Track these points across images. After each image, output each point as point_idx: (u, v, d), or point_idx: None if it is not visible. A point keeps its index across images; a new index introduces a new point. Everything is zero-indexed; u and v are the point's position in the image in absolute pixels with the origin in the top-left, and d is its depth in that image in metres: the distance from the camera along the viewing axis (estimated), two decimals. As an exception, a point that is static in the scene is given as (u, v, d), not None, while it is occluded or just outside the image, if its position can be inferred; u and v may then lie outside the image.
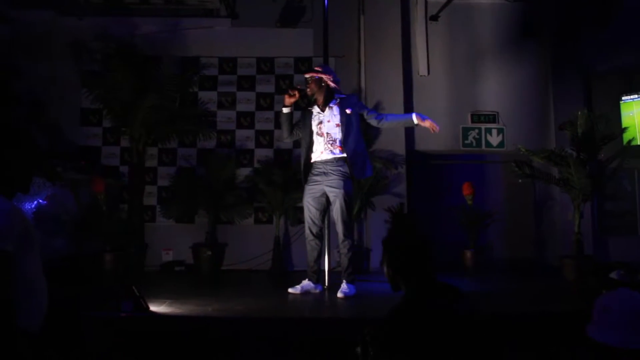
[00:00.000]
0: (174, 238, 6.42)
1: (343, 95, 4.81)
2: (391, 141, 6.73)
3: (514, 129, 7.11)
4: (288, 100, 4.80)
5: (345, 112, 4.66)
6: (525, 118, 7.16)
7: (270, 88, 6.83)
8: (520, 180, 6.14)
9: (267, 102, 6.79)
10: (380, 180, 6.53)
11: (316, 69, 4.88)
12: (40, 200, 5.19)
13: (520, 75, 7.19)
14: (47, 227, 5.13)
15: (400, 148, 6.78)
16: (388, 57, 6.89)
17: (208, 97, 6.76)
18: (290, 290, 4.66)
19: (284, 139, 5.04)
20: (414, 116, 4.77)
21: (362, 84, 6.93)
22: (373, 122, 4.84)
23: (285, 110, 4.84)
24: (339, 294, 4.57)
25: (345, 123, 4.65)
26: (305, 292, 4.66)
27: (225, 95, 6.80)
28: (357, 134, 4.70)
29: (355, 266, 4.89)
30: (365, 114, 4.83)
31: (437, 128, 4.73)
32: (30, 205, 5.10)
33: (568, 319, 3.56)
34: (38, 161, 2.51)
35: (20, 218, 1.99)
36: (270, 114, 6.78)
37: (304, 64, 6.77)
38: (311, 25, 6.82)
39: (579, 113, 5.78)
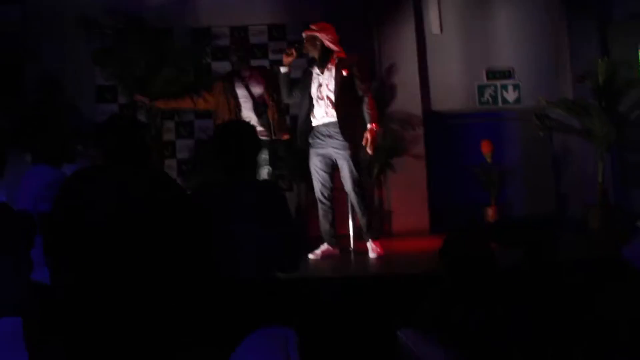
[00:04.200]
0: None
1: (343, 57, 4.67)
2: (407, 102, 6.68)
3: (530, 84, 7.03)
4: (286, 59, 4.72)
5: (341, 73, 4.55)
6: (541, 72, 7.06)
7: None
8: (541, 134, 6.10)
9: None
10: (398, 141, 6.51)
11: (311, 27, 4.73)
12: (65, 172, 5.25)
13: (534, 28, 7.08)
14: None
15: (416, 109, 6.73)
16: (400, 17, 6.79)
17: (221, 67, 6.71)
18: (310, 256, 4.64)
19: (284, 100, 4.95)
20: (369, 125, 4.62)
21: (375, 47, 6.86)
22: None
23: (282, 69, 4.76)
24: (371, 254, 4.59)
25: (339, 84, 4.53)
26: (325, 257, 4.66)
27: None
28: (350, 96, 4.58)
29: (376, 225, 4.89)
30: (356, 83, 4.63)
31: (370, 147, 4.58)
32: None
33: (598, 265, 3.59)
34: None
35: None
36: (284, 81, 6.73)
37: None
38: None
39: (599, 61, 5.70)
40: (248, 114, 4.87)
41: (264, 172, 4.83)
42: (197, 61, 6.44)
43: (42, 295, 2.19)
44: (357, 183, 4.60)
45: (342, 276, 4.01)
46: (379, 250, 4.61)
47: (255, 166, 2.74)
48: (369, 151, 4.60)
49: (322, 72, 4.64)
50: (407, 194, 6.57)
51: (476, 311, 2.28)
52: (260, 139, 2.84)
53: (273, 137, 4.87)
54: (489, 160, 6.52)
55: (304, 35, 4.74)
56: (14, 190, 2.56)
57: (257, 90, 4.92)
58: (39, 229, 2.33)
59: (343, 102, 4.54)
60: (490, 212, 6.37)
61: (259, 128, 4.72)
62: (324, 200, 4.67)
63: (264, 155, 4.78)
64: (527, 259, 2.44)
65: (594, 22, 6.91)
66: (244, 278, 2.42)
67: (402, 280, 3.64)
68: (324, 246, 4.69)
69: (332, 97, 4.56)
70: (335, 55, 4.64)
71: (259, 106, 4.86)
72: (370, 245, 4.65)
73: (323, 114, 4.61)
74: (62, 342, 2.03)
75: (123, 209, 2.06)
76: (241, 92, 4.92)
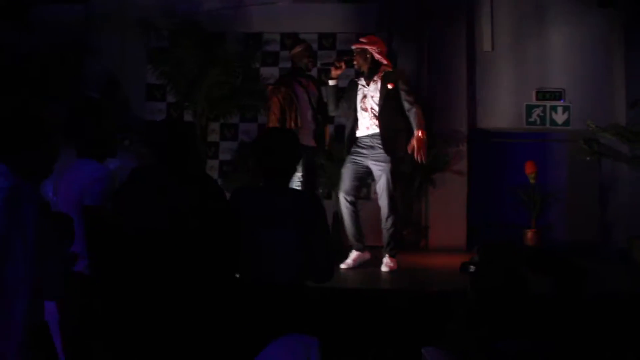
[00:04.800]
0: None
1: (390, 70, 4.72)
2: (453, 117, 6.63)
3: (581, 107, 6.85)
4: (334, 72, 4.79)
5: (387, 87, 4.59)
6: (593, 95, 6.88)
7: (331, 64, 6.83)
8: (588, 158, 5.95)
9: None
10: (441, 157, 6.46)
11: (361, 40, 4.80)
12: (110, 166, 5.42)
13: (589, 50, 6.91)
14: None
15: (461, 125, 6.68)
16: (450, 32, 6.75)
17: (270, 72, 6.81)
18: (342, 266, 4.63)
19: (331, 112, 4.98)
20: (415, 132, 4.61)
21: (424, 61, 6.83)
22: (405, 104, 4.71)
23: (331, 82, 4.81)
24: (383, 268, 4.58)
25: (384, 97, 4.58)
26: (357, 264, 4.65)
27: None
28: (395, 109, 4.60)
29: (398, 241, 4.87)
30: (402, 96, 4.67)
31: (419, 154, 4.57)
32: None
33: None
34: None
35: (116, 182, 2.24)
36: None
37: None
38: (374, 1, 6.75)
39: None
40: (308, 120, 4.84)
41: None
42: (247, 66, 6.54)
43: (82, 285, 2.31)
44: (391, 197, 4.61)
45: (369, 288, 4.01)
46: (392, 265, 4.60)
47: (292, 174, 2.78)
48: (418, 158, 4.56)
49: (368, 84, 4.69)
50: (446, 210, 6.52)
51: (501, 342, 2.26)
52: (300, 147, 2.88)
53: (325, 146, 4.95)
54: (532, 181, 6.40)
55: (354, 47, 4.78)
56: (57, 182, 2.64)
57: (314, 98, 4.92)
58: (84, 222, 2.45)
59: (387, 114, 4.60)
60: (529, 235, 6.25)
61: (309, 136, 4.80)
62: (348, 205, 4.68)
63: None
64: (557, 290, 2.40)
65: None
66: (275, 283, 2.46)
67: (432, 296, 3.62)
68: (354, 254, 4.69)
69: (377, 109, 4.60)
70: (382, 69, 4.69)
71: (316, 114, 4.88)
72: (385, 260, 4.64)
73: (367, 125, 4.67)
74: (100, 332, 2.16)
75: (172, 217, 2.31)
76: (303, 98, 4.86)
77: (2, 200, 1.86)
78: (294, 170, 2.79)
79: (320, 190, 4.98)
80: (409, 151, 4.55)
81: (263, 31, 6.90)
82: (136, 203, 2.39)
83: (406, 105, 4.64)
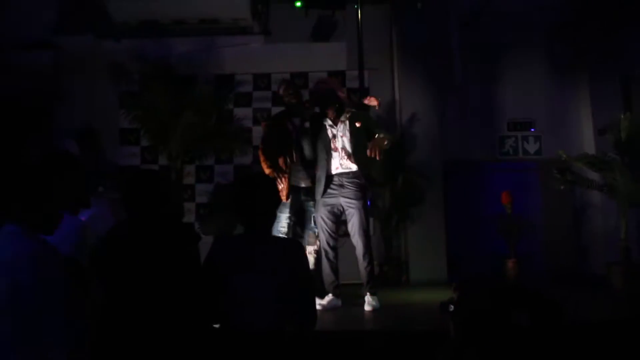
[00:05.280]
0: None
1: (353, 110, 4.77)
2: (427, 151, 6.68)
3: (552, 136, 7.02)
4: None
5: (355, 125, 4.63)
6: (562, 124, 7.07)
7: (304, 103, 6.87)
8: (562, 187, 6.03)
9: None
10: (416, 190, 6.49)
11: (323, 81, 4.95)
12: (81, 218, 5.31)
13: (557, 81, 7.11)
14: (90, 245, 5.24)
15: (436, 157, 6.73)
16: (422, 67, 6.86)
17: (243, 113, 6.84)
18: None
19: (309, 157, 4.85)
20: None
21: (397, 96, 6.92)
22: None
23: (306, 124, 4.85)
24: (367, 307, 4.52)
25: (355, 135, 4.61)
26: (332, 308, 4.58)
27: (260, 111, 6.87)
28: (365, 147, 4.60)
29: (376, 278, 4.83)
30: (374, 129, 4.71)
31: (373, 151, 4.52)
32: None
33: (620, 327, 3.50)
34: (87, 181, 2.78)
35: (88, 233, 2.19)
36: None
37: (337, 77, 6.79)
38: (344, 39, 6.85)
39: (622, 116, 5.66)
40: (298, 163, 4.84)
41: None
42: (220, 107, 6.54)
43: None
44: (365, 234, 4.58)
45: (354, 330, 3.95)
46: (374, 304, 4.54)
47: (273, 219, 2.75)
48: (371, 153, 4.48)
49: (336, 124, 4.69)
50: (425, 243, 6.52)
51: None
52: (278, 193, 2.84)
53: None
54: (508, 211, 6.45)
55: (316, 90, 4.81)
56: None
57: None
58: None
59: (360, 152, 4.60)
60: (510, 265, 6.27)
61: (306, 177, 4.81)
62: (329, 250, 4.63)
63: (312, 201, 4.82)
64: (533, 323, 2.41)
65: (616, 77, 6.91)
66: (254, 331, 2.41)
67: (417, 336, 3.58)
68: (329, 297, 4.61)
69: (348, 148, 4.62)
70: (347, 109, 4.72)
71: (305, 155, 4.87)
72: (367, 298, 4.57)
73: (337, 165, 4.65)
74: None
75: (150, 261, 2.37)
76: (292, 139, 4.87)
77: (32, 264, 1.83)
78: (274, 215, 2.75)
79: (314, 230, 4.88)
80: (369, 153, 4.48)
81: (235, 72, 6.93)
82: (116, 263, 2.36)
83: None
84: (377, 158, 4.53)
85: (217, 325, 2.55)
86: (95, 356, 2.11)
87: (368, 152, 4.50)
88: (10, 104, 6.13)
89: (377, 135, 4.57)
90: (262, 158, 4.82)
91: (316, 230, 4.83)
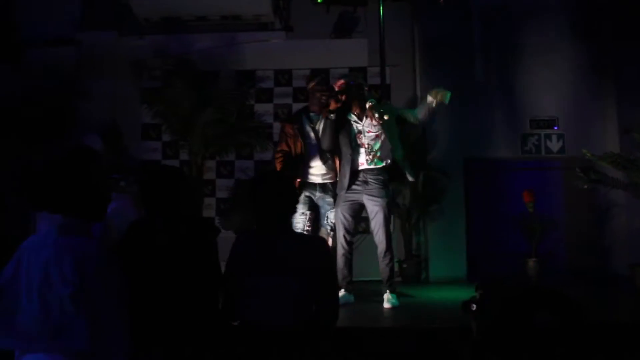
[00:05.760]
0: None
1: (374, 100, 4.70)
2: (448, 149, 6.64)
3: (575, 134, 6.91)
4: (334, 105, 4.66)
5: (384, 118, 4.54)
6: (586, 122, 6.95)
7: (325, 99, 6.86)
8: (585, 186, 5.95)
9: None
10: (437, 188, 6.46)
11: (344, 79, 4.86)
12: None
13: (581, 78, 6.99)
14: (113, 239, 5.30)
15: (457, 155, 6.69)
16: (443, 64, 6.81)
17: (264, 109, 6.85)
18: None
19: (326, 146, 4.79)
20: (428, 98, 4.54)
21: (418, 93, 6.88)
22: (410, 118, 4.72)
23: (332, 116, 4.67)
24: (386, 304, 4.51)
25: (387, 129, 4.59)
26: (343, 304, 4.55)
27: (281, 107, 6.87)
28: (395, 140, 4.62)
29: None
30: (402, 113, 4.75)
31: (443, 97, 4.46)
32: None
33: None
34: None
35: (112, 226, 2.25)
36: (326, 124, 6.80)
37: (359, 73, 6.77)
38: (365, 35, 6.83)
39: (647, 114, 5.57)
40: (314, 158, 4.82)
41: (332, 215, 4.80)
42: (241, 103, 6.56)
43: None
44: (387, 233, 4.57)
45: (365, 327, 3.93)
46: (394, 301, 4.53)
47: (291, 216, 2.74)
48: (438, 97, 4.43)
49: (361, 120, 4.66)
50: (446, 241, 6.50)
51: None
52: (296, 190, 2.84)
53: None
54: (530, 210, 6.38)
55: (340, 85, 4.74)
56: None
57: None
58: None
59: (385, 148, 4.61)
60: (531, 264, 6.21)
61: (325, 172, 4.80)
62: (346, 246, 4.61)
63: (330, 199, 4.81)
64: (556, 323, 2.39)
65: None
66: (274, 329, 2.41)
67: (436, 334, 3.56)
68: (341, 292, 4.56)
69: (373, 145, 4.61)
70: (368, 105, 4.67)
71: (324, 152, 4.82)
72: (386, 296, 4.56)
73: (363, 160, 4.62)
74: None
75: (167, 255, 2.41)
76: (311, 136, 4.86)
77: (95, 263, 1.93)
78: (293, 212, 2.74)
79: (326, 227, 4.86)
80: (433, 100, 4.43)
81: (256, 68, 6.94)
82: (136, 260, 2.39)
83: (410, 112, 4.75)
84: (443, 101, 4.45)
85: (236, 323, 2.55)
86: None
87: (431, 99, 4.42)
88: (34, 100, 6.22)
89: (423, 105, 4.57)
90: (280, 158, 4.83)
91: (329, 227, 4.81)
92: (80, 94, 6.58)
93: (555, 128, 7.00)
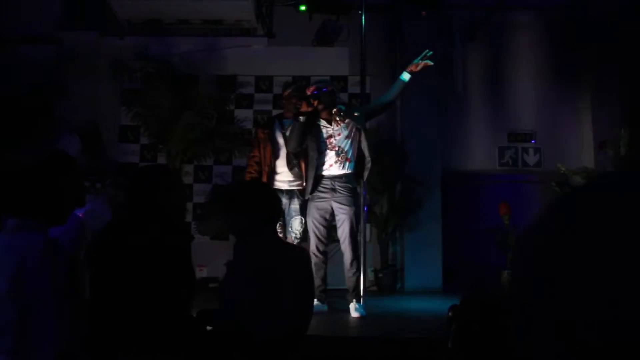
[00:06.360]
0: (209, 255, 6.44)
1: (344, 107, 4.64)
2: (426, 160, 6.67)
3: (552, 148, 7.01)
4: (306, 108, 4.49)
5: (352, 128, 4.53)
6: (563, 137, 7.06)
7: (305, 106, 6.87)
8: (559, 200, 6.01)
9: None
10: (415, 199, 6.48)
11: (320, 83, 4.73)
12: (79, 215, 5.32)
13: (558, 93, 7.11)
14: (87, 241, 5.24)
15: (435, 167, 6.72)
16: (423, 75, 6.82)
17: (244, 115, 6.84)
18: None
19: (293, 149, 4.68)
20: (404, 75, 4.63)
21: (397, 103, 6.90)
22: (377, 107, 4.75)
23: (301, 118, 4.50)
24: (354, 314, 4.43)
25: (351, 135, 4.55)
26: (315, 313, 4.49)
27: (261, 113, 6.87)
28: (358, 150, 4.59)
29: (359, 286, 4.74)
30: (368, 107, 4.76)
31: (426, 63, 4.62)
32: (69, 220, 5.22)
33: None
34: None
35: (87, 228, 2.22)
36: (305, 132, 6.82)
37: (339, 82, 6.80)
38: (347, 45, 6.87)
39: (622, 131, 5.67)
40: (281, 164, 4.83)
41: (297, 223, 4.77)
42: (221, 108, 6.55)
43: None
44: (354, 241, 4.50)
45: (334, 336, 3.90)
46: (361, 311, 4.47)
47: (271, 224, 2.70)
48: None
49: (329, 124, 4.58)
50: (422, 251, 6.51)
51: None
52: (277, 199, 2.81)
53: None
54: (506, 222, 6.44)
55: (313, 91, 4.65)
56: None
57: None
58: None
59: (355, 152, 4.55)
60: (505, 276, 6.25)
61: (292, 178, 4.78)
62: (319, 255, 4.52)
63: (295, 206, 4.78)
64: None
65: (618, 91, 6.91)
66: (249, 333, 2.40)
67: (407, 344, 3.56)
68: (314, 301, 4.52)
69: (344, 146, 4.53)
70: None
71: (291, 157, 4.80)
72: (353, 305, 4.50)
73: (332, 163, 4.52)
74: None
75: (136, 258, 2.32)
76: (280, 142, 4.85)
77: (40, 252, 1.87)
78: (273, 222, 2.71)
79: (292, 234, 4.84)
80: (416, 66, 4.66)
81: (237, 73, 6.93)
82: (106, 260, 2.36)
83: (374, 101, 4.84)
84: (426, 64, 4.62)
85: (209, 328, 2.53)
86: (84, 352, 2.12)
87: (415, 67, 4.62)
88: (12, 99, 6.14)
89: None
90: (253, 165, 4.83)
91: (293, 235, 4.78)
92: (60, 93, 6.52)
93: (533, 142, 7.09)
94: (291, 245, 4.25)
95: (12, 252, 1.88)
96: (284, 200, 4.80)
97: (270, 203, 2.70)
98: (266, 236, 2.62)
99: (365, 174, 4.64)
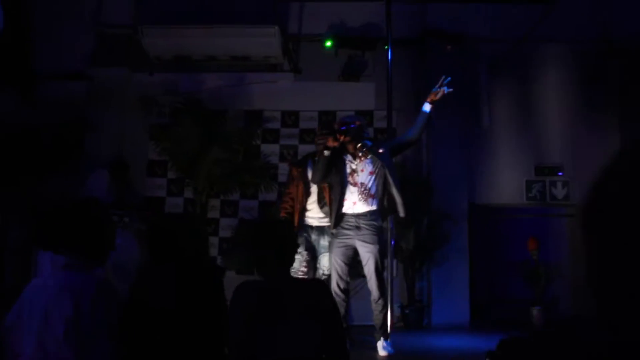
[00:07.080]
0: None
1: (370, 143, 4.61)
2: (452, 194, 6.62)
3: (580, 181, 6.92)
4: (332, 143, 4.45)
5: (377, 160, 4.46)
6: (592, 169, 6.96)
7: (331, 141, 6.90)
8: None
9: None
10: (441, 233, 6.43)
11: (348, 119, 4.67)
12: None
13: (586, 126, 7.03)
14: (116, 275, 5.27)
15: (461, 201, 6.68)
16: (449, 109, 6.81)
17: (270, 149, 6.89)
18: None
19: (316, 182, 4.70)
20: (425, 106, 4.51)
21: (423, 138, 6.90)
22: (404, 141, 4.68)
23: (326, 152, 4.46)
24: (382, 352, 4.38)
25: (377, 172, 4.46)
26: None
27: (287, 148, 6.92)
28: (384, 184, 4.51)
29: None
30: (397, 144, 4.70)
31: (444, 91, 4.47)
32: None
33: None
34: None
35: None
36: (331, 166, 6.83)
37: (365, 116, 6.81)
38: (373, 79, 6.92)
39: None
40: (312, 201, 4.86)
41: (325, 259, 4.77)
42: (248, 143, 6.61)
43: None
44: (380, 279, 4.44)
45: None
46: (389, 349, 4.42)
47: (291, 263, 2.71)
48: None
49: (354, 159, 4.53)
50: (449, 287, 6.42)
51: None
52: (296, 237, 2.83)
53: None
54: (534, 257, 6.35)
55: (342, 127, 4.64)
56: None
57: None
58: None
59: (380, 189, 4.47)
60: (535, 312, 6.14)
61: (322, 215, 4.80)
62: (339, 293, 4.43)
63: (325, 242, 4.78)
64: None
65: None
66: None
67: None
68: None
69: (367, 183, 4.45)
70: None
71: (322, 195, 4.81)
72: (381, 343, 4.45)
73: (354, 200, 4.45)
74: None
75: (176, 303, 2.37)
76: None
77: (94, 293, 1.98)
78: (291, 260, 2.71)
79: (322, 270, 4.84)
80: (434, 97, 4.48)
81: (264, 108, 7.01)
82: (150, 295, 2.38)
83: (402, 136, 4.76)
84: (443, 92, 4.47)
85: None
86: None
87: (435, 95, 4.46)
88: (43, 133, 6.28)
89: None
90: (288, 201, 4.87)
91: (321, 271, 4.79)
92: (90, 128, 6.66)
93: (560, 174, 7.01)
94: (307, 279, 4.24)
95: (67, 293, 1.92)
96: (314, 237, 4.82)
97: (295, 241, 2.72)
98: (287, 273, 2.63)
99: (400, 209, 4.54)
